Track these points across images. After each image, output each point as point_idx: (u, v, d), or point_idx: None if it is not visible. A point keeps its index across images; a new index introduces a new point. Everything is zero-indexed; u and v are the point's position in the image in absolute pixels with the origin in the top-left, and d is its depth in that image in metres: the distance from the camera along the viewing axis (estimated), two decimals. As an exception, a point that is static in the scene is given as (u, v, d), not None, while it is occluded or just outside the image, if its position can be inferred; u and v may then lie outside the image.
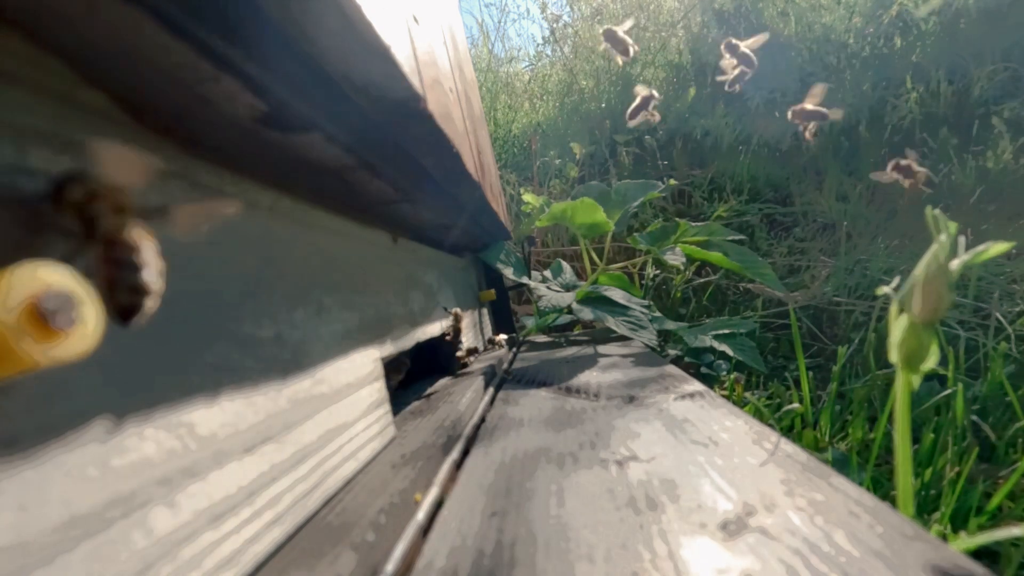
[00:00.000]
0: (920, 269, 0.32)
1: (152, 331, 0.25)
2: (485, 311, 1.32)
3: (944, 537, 0.57)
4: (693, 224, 1.29)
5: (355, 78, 0.35)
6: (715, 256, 1.20)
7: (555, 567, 0.27)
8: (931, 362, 0.32)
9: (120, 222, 0.18)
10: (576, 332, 1.45)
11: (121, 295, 0.18)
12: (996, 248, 0.32)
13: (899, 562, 0.24)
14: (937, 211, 0.32)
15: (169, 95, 0.27)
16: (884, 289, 0.35)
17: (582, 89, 2.80)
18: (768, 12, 2.62)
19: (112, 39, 0.22)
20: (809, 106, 0.78)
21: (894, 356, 0.33)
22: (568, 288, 1.32)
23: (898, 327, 0.33)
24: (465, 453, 0.48)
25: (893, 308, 0.33)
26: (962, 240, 0.32)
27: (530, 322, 1.40)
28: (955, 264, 0.31)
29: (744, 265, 1.19)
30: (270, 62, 0.28)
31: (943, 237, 0.31)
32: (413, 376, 0.80)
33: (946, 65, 2.16)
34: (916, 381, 0.33)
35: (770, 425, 0.81)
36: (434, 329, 0.78)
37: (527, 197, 1.56)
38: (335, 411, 0.41)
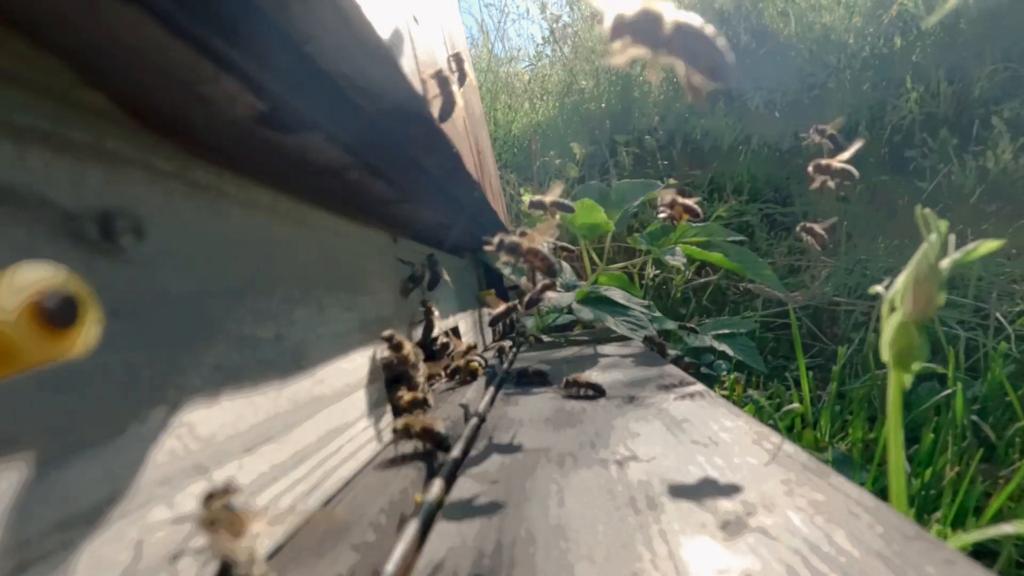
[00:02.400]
0: (910, 268, 0.32)
1: (152, 332, 0.25)
2: (485, 311, 1.32)
3: (944, 538, 0.57)
4: (693, 224, 1.29)
5: (355, 78, 0.35)
6: (715, 256, 1.20)
7: (555, 567, 0.27)
8: (922, 360, 0.32)
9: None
10: (576, 332, 1.45)
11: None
12: (986, 246, 0.32)
13: (899, 562, 0.24)
14: (927, 210, 0.32)
15: (169, 95, 0.27)
16: (876, 288, 0.35)
17: (582, 89, 2.80)
18: (768, 12, 2.62)
19: (112, 39, 0.22)
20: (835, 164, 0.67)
21: (885, 355, 0.33)
22: (568, 288, 1.32)
23: (889, 326, 0.33)
24: (465, 453, 0.48)
25: (885, 307, 0.33)
26: (952, 239, 0.32)
27: (530, 322, 1.40)
28: (945, 263, 0.31)
29: (744, 265, 1.19)
30: (270, 62, 0.28)
31: (933, 236, 0.31)
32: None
33: (946, 65, 2.16)
34: (908, 380, 0.33)
35: (770, 424, 0.81)
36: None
37: (527, 197, 1.56)
38: (335, 411, 0.41)
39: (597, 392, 0.63)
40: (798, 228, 0.72)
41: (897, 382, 0.33)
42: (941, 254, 0.31)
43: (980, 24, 2.16)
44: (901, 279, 0.32)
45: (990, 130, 1.93)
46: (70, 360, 0.14)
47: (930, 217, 0.31)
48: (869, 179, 2.07)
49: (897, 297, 0.32)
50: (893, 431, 0.34)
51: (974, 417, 0.80)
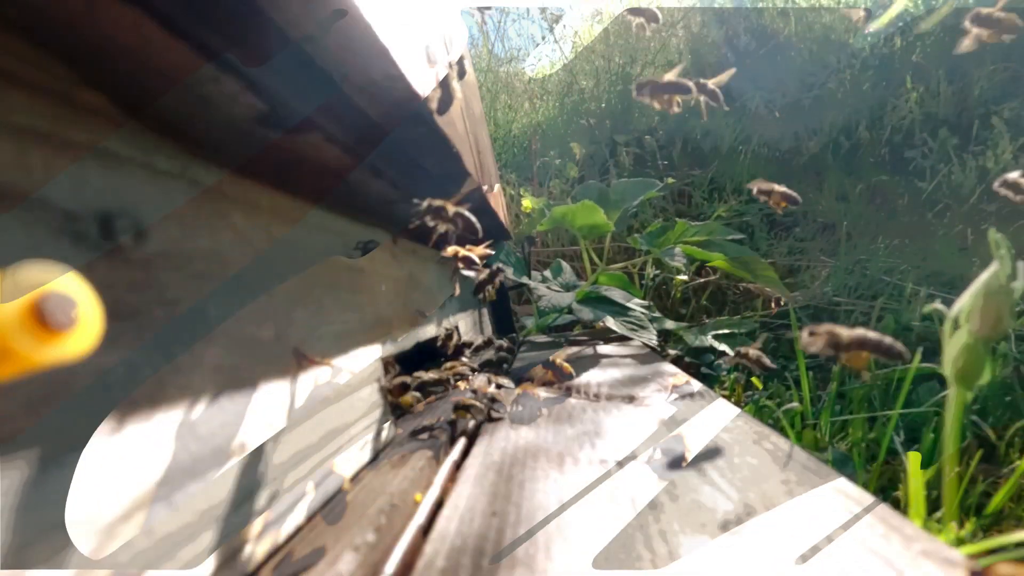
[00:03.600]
0: (978, 286, 0.31)
1: (152, 332, 0.25)
2: (485, 311, 1.32)
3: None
4: (693, 224, 1.29)
5: (355, 78, 0.35)
6: (715, 256, 1.20)
7: (555, 567, 0.27)
8: (986, 378, 0.32)
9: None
10: (576, 332, 1.45)
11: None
12: None
13: (900, 562, 0.24)
14: (999, 235, 0.31)
15: (169, 95, 0.27)
16: (934, 306, 0.35)
17: (582, 89, 2.80)
18: (768, 12, 2.62)
19: (112, 39, 0.22)
20: None
21: (947, 371, 0.33)
22: (568, 288, 1.32)
23: (953, 343, 0.32)
24: (465, 453, 0.48)
25: (947, 324, 0.33)
26: (1022, 265, 0.31)
27: (530, 322, 1.40)
28: (1019, 284, 0.31)
29: (744, 265, 1.19)
30: (270, 62, 0.28)
31: (1003, 252, 0.31)
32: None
33: (946, 65, 2.16)
34: (969, 396, 0.33)
35: (770, 424, 0.81)
36: (433, 330, 0.79)
37: (526, 201, 1.56)
38: (335, 411, 0.41)
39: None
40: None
41: (959, 399, 0.33)
42: (1012, 275, 0.31)
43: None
44: (967, 297, 0.32)
45: (990, 130, 1.93)
46: (72, 361, 0.14)
47: (1001, 240, 0.31)
48: (869, 179, 2.07)
49: (963, 315, 0.32)
50: (951, 447, 0.33)
51: (974, 417, 0.80)
